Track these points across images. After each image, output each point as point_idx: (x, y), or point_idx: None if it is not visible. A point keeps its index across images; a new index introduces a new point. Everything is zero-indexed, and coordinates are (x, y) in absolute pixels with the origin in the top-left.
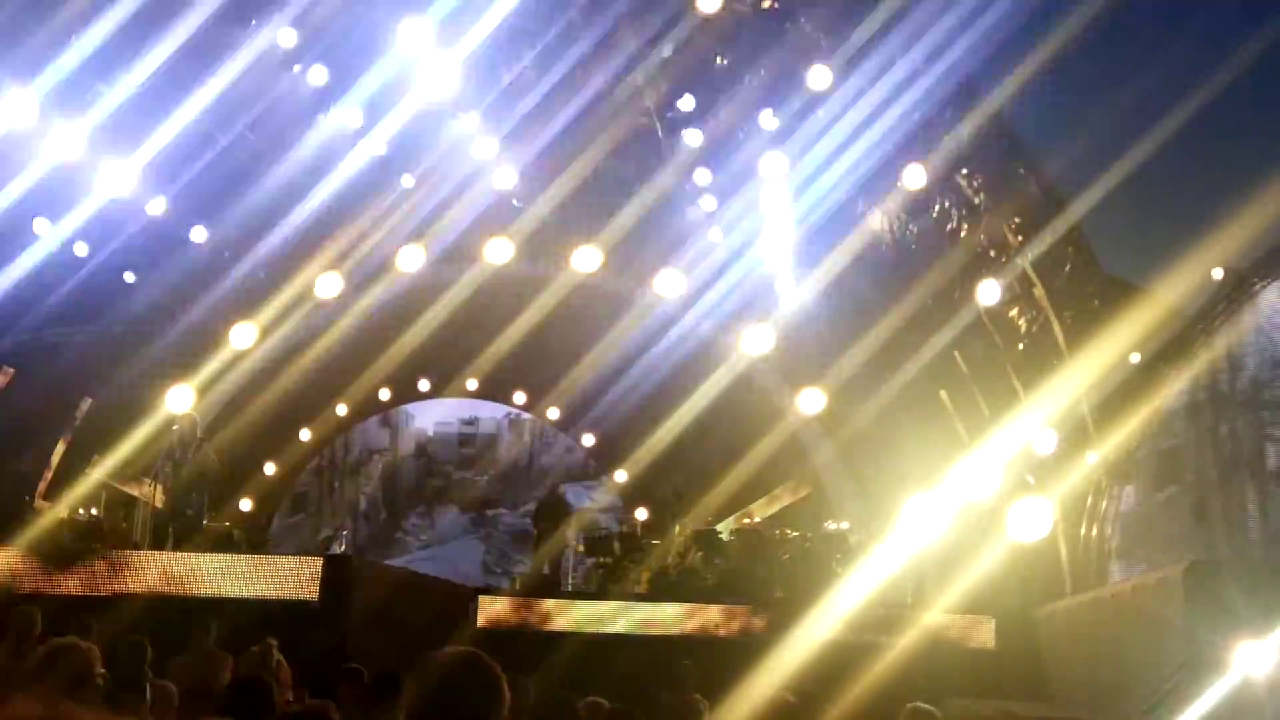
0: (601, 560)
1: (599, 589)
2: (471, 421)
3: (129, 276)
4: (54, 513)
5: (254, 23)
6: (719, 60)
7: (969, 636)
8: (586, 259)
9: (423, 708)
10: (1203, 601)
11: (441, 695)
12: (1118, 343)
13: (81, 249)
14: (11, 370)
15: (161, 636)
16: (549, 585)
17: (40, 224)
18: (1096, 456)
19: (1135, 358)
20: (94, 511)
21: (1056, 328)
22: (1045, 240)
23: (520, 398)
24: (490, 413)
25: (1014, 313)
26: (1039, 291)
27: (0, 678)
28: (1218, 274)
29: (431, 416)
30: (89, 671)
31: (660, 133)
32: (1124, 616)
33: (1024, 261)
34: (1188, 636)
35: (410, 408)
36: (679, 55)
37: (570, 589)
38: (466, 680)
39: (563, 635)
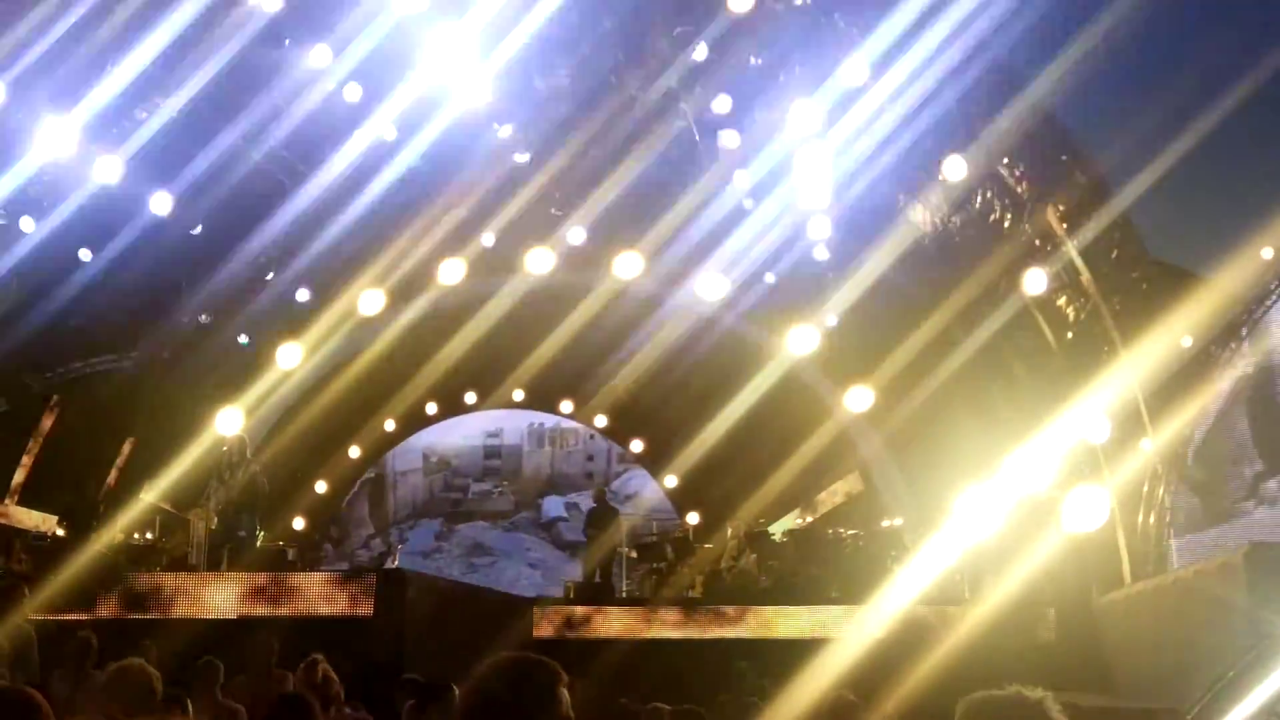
0: (654, 565)
1: (653, 594)
2: (496, 433)
3: (173, 299)
4: (110, 537)
5: (288, 43)
6: (753, 60)
7: (1028, 629)
8: (628, 265)
9: (477, 712)
10: (1266, 584)
11: (497, 699)
12: (1169, 328)
13: (122, 275)
14: (63, 399)
15: (220, 656)
16: (603, 591)
17: (84, 253)
18: (1151, 443)
19: (1187, 342)
20: (149, 535)
21: (1105, 314)
22: (1091, 228)
23: (567, 406)
24: (514, 424)
25: (1061, 301)
26: (1086, 279)
27: (62, 702)
28: (1268, 254)
29: (458, 431)
30: (152, 691)
31: (697, 135)
32: (1186, 603)
33: (1070, 250)
34: (1252, 620)
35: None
36: (713, 56)
37: (624, 595)
38: (522, 684)
39: (618, 641)
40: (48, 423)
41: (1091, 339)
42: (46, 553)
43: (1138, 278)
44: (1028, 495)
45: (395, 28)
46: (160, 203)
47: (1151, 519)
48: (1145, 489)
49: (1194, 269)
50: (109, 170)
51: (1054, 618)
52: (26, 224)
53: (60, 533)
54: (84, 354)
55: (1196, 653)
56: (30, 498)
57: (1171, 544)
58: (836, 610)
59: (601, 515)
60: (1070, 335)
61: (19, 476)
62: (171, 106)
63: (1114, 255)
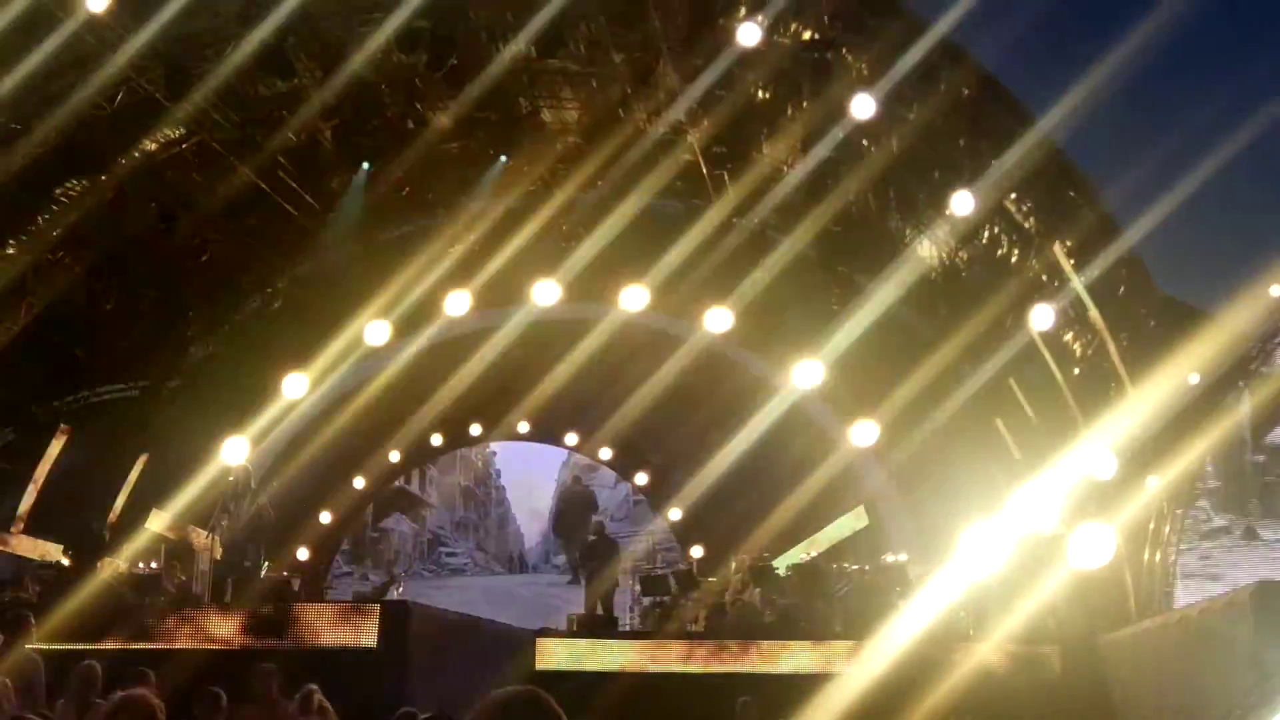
0: (658, 598)
1: (656, 628)
2: None
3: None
4: (115, 567)
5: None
6: (761, 94)
7: (1034, 666)
8: (634, 298)
9: None
10: (1272, 623)
11: None
12: (1176, 365)
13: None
14: (69, 429)
15: (224, 687)
16: (606, 625)
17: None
18: (1158, 481)
19: (1194, 379)
20: (153, 565)
21: (1113, 351)
22: (1099, 264)
23: (572, 439)
24: None
25: (1069, 337)
26: (1093, 315)
27: None
28: (1277, 292)
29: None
30: None
31: (704, 168)
32: (1192, 641)
33: (1078, 286)
34: (1257, 659)
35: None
36: (721, 90)
37: (627, 628)
38: (526, 718)
39: (622, 675)
40: (55, 451)
41: (1099, 375)
42: (52, 582)
43: (1145, 314)
44: (1033, 531)
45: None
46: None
47: (1158, 556)
48: (1152, 526)
49: (1202, 306)
50: None
51: (1059, 655)
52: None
53: (65, 562)
54: (92, 383)
55: (1202, 691)
56: (37, 527)
57: (1178, 582)
58: (841, 645)
59: (601, 549)
60: (1077, 371)
61: (25, 505)
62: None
63: (1121, 291)
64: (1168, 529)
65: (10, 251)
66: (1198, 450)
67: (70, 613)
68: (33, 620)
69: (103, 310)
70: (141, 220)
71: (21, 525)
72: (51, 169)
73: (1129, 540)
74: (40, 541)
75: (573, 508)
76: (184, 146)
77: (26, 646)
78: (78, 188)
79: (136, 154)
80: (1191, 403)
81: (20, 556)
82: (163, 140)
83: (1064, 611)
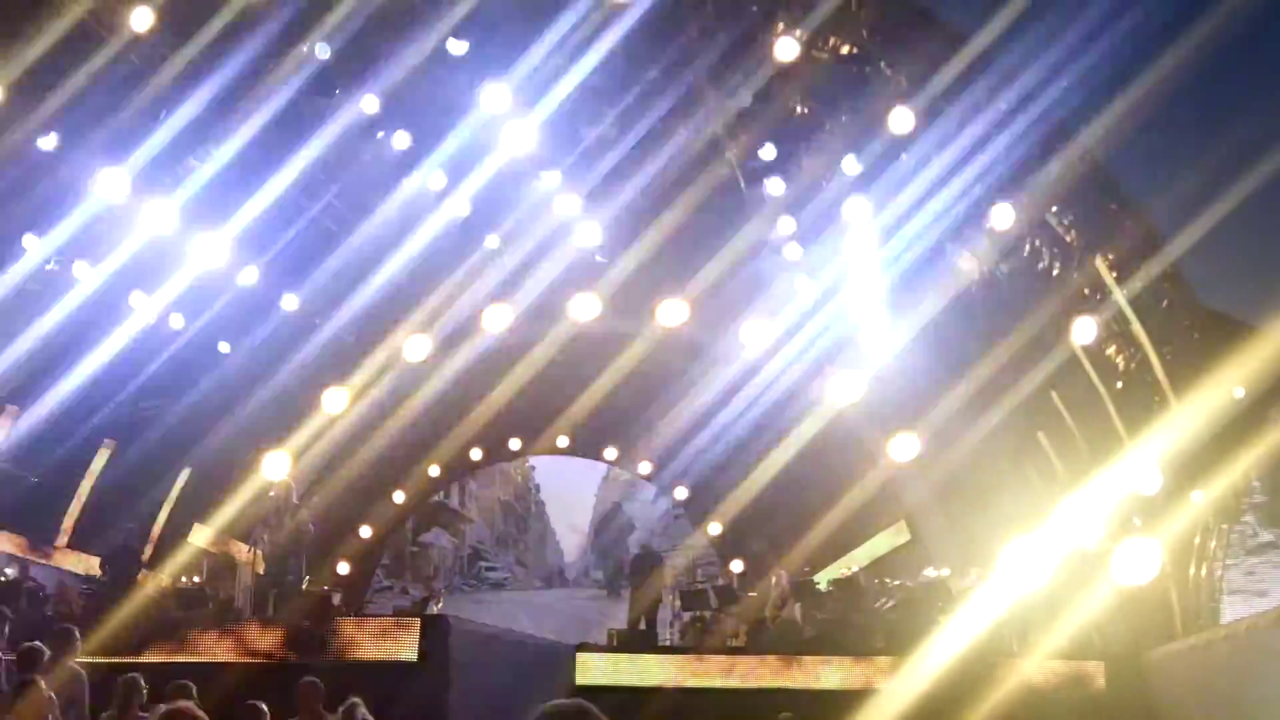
0: (698, 613)
1: (696, 643)
2: None
3: (223, 347)
4: (158, 581)
5: (338, 92)
6: (799, 109)
7: (1079, 683)
8: (673, 312)
9: None
10: None
11: None
12: (1220, 378)
13: (177, 321)
14: (113, 443)
15: (266, 700)
16: (646, 640)
17: (136, 297)
18: (1203, 495)
19: (1239, 393)
20: (196, 579)
21: (1156, 364)
22: (1141, 277)
23: (611, 453)
24: None
25: (1111, 350)
26: (1136, 328)
27: None
28: None
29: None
30: None
31: (742, 183)
32: (1239, 657)
33: (1120, 299)
34: None
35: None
36: (759, 105)
37: (667, 643)
38: None
39: (662, 690)
40: (98, 466)
41: (1142, 389)
42: (96, 596)
43: (1189, 327)
44: (1077, 546)
45: (444, 77)
46: (215, 251)
47: (1203, 572)
48: (1197, 541)
49: (1246, 319)
50: (163, 220)
51: (1104, 671)
52: (80, 270)
53: (107, 575)
54: (135, 398)
55: (1248, 707)
56: (80, 541)
57: (1224, 598)
58: (882, 661)
59: (645, 564)
60: (1120, 385)
61: (69, 520)
62: (223, 154)
63: (1164, 304)
64: (1213, 544)
65: (53, 267)
66: (1243, 464)
67: (114, 626)
68: (77, 634)
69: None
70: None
71: (65, 539)
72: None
73: (1174, 555)
74: (84, 555)
75: (611, 528)
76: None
77: (71, 660)
78: None
79: (178, 168)
80: (1236, 417)
81: (64, 570)
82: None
83: (1109, 627)
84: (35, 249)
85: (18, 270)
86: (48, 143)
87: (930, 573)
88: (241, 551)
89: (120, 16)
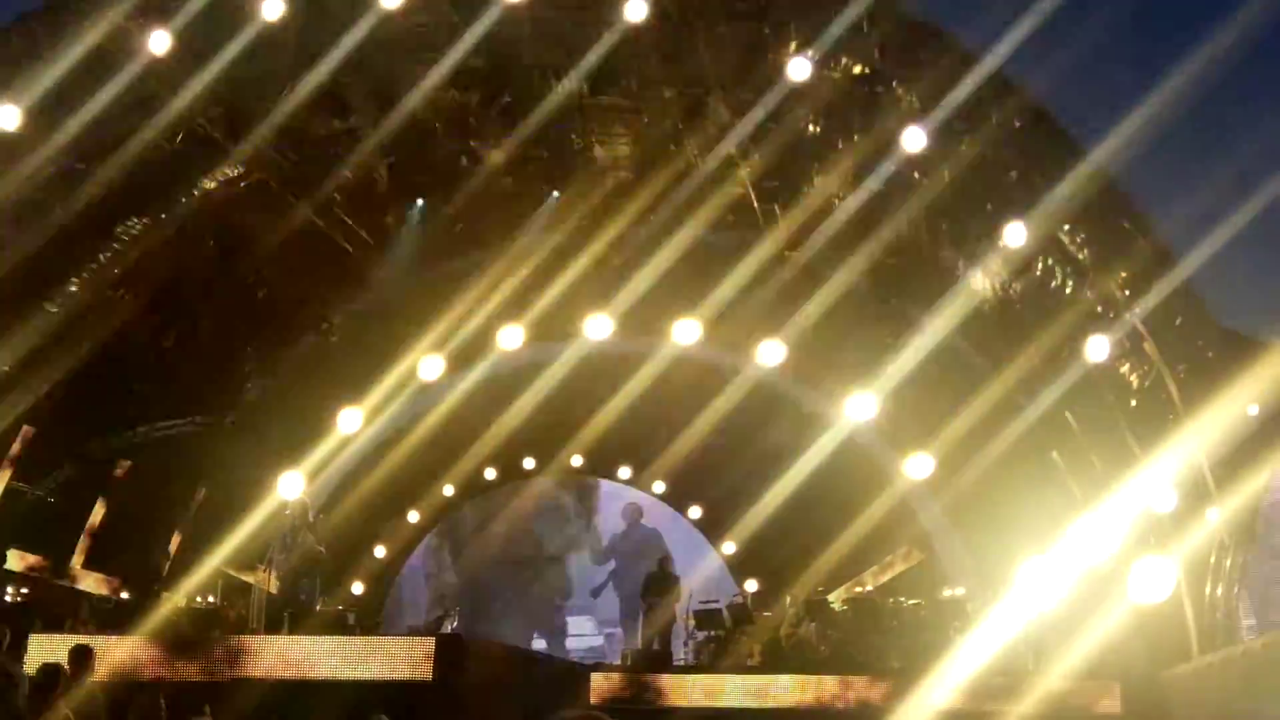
0: (713, 633)
1: (711, 663)
2: None
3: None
4: (174, 601)
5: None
6: (812, 127)
7: (1094, 702)
8: (686, 331)
9: None
10: None
11: None
12: (1235, 396)
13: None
14: (128, 464)
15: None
16: (661, 660)
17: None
18: (1218, 513)
19: (1254, 410)
20: (211, 599)
21: (1170, 382)
22: (1155, 295)
23: (625, 472)
24: None
25: (1125, 368)
26: (1149, 346)
27: None
28: None
29: None
30: None
31: (755, 202)
32: (1256, 674)
33: (1133, 317)
34: None
35: None
36: (771, 124)
37: (681, 663)
38: None
39: (676, 710)
40: (114, 486)
41: (1156, 407)
42: (111, 616)
43: (1203, 345)
44: (1092, 565)
45: None
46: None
47: (1219, 590)
48: (1212, 560)
49: (1261, 336)
50: None
51: (1121, 690)
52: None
53: (124, 596)
54: (151, 418)
55: None
56: (96, 561)
57: (1241, 617)
58: (898, 681)
59: (661, 582)
60: (1134, 403)
61: (85, 540)
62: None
63: (1178, 322)
64: (1229, 562)
65: (72, 289)
66: (1258, 482)
67: (129, 646)
68: (93, 654)
69: (162, 346)
70: (200, 258)
71: (81, 559)
72: (113, 207)
73: (1190, 574)
74: (99, 575)
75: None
76: (242, 185)
77: (88, 680)
78: (138, 226)
79: (196, 193)
80: (1251, 434)
81: (80, 590)
82: (222, 179)
83: (1125, 646)
84: None
85: None
86: None
87: (946, 592)
88: (256, 571)
89: None
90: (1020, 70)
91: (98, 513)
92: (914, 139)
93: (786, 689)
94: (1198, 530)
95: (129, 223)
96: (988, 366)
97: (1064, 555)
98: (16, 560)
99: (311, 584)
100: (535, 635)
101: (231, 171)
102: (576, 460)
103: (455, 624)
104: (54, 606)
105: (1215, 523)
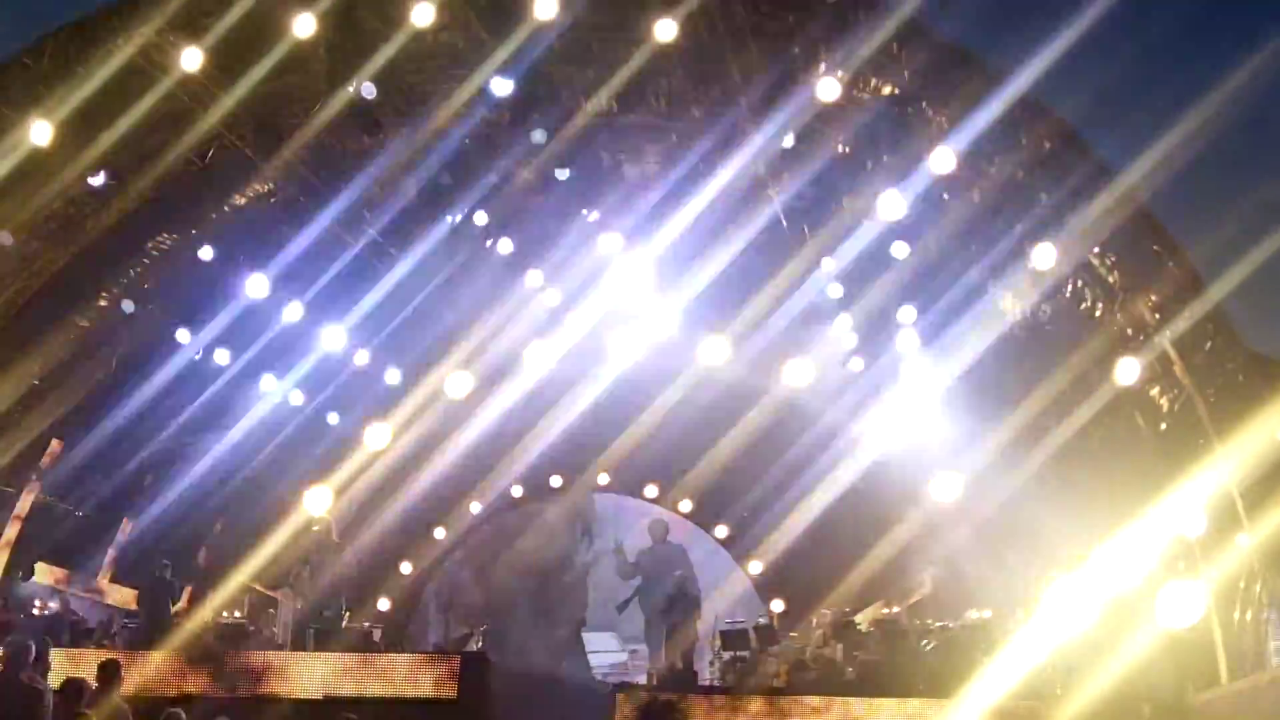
0: (739, 653)
1: (736, 683)
2: None
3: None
4: (200, 617)
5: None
6: (841, 148)
7: None
8: (714, 350)
9: None
10: None
11: None
12: (1266, 420)
13: (222, 356)
14: (155, 477)
15: None
16: (686, 680)
17: (182, 334)
18: (1249, 538)
19: None
20: (237, 615)
21: (1200, 406)
22: (1185, 318)
23: (651, 491)
24: None
25: (1154, 391)
26: (1180, 369)
27: None
28: None
29: None
30: None
31: (784, 222)
32: None
33: (1163, 340)
34: None
35: None
36: (800, 145)
37: (706, 683)
38: None
39: None
40: (140, 501)
41: (1186, 430)
42: (139, 631)
43: (1233, 369)
44: (1121, 589)
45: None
46: (255, 285)
47: (1248, 615)
48: (1242, 585)
49: None
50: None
51: (1149, 715)
52: (125, 305)
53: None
54: (178, 432)
55: None
56: (125, 575)
57: (1271, 642)
58: (924, 703)
59: (682, 602)
60: (1164, 426)
61: (113, 554)
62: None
63: (1208, 346)
64: (1259, 587)
65: (103, 303)
66: None
67: (156, 661)
68: (121, 669)
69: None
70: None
71: (110, 574)
72: (144, 223)
73: (1219, 599)
74: (128, 590)
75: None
76: (272, 201)
77: (115, 695)
78: (169, 241)
79: (226, 208)
80: None
81: (109, 604)
82: (252, 195)
83: (1153, 671)
84: None
85: None
86: None
87: (973, 614)
88: (282, 588)
89: None
90: (1051, 93)
91: (127, 527)
92: (943, 160)
93: (813, 710)
94: (1227, 555)
95: (159, 238)
96: (1017, 388)
97: (1092, 579)
98: (45, 574)
99: (338, 601)
100: (559, 651)
101: (262, 187)
102: (603, 478)
103: (480, 642)
104: (81, 621)
105: (1245, 548)
